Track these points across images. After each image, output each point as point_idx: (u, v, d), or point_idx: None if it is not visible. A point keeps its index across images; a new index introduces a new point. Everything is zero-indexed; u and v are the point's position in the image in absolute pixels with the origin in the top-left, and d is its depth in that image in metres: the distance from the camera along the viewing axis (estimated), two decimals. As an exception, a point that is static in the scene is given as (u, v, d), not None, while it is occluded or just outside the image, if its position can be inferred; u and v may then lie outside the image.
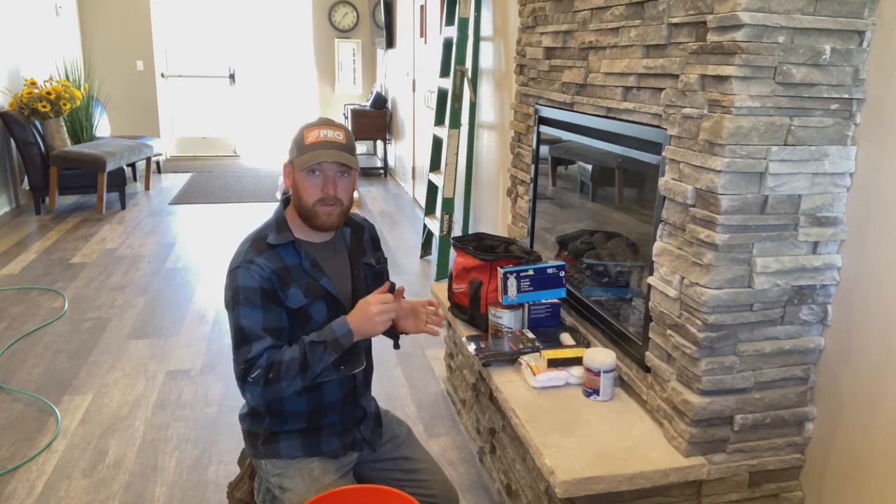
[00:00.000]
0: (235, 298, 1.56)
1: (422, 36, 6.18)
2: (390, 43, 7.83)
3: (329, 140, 1.59)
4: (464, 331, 2.39)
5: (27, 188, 6.49)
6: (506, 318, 2.24)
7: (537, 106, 2.64)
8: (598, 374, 1.90)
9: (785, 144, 1.53)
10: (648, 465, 1.65)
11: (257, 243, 1.62)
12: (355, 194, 6.95)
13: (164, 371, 3.15)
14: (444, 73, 4.67)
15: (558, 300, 2.28)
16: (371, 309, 1.55)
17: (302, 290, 1.61)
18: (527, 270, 2.19)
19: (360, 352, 1.65)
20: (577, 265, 2.42)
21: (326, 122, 1.63)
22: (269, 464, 1.68)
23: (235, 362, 1.56)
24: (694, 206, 1.62)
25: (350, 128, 8.07)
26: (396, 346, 1.87)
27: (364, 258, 1.78)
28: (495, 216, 4.07)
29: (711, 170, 1.54)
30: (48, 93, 5.90)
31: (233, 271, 1.59)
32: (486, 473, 2.38)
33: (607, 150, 2.13)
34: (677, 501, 1.74)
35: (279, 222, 1.66)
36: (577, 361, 2.01)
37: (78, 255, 4.82)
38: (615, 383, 1.96)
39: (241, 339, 1.55)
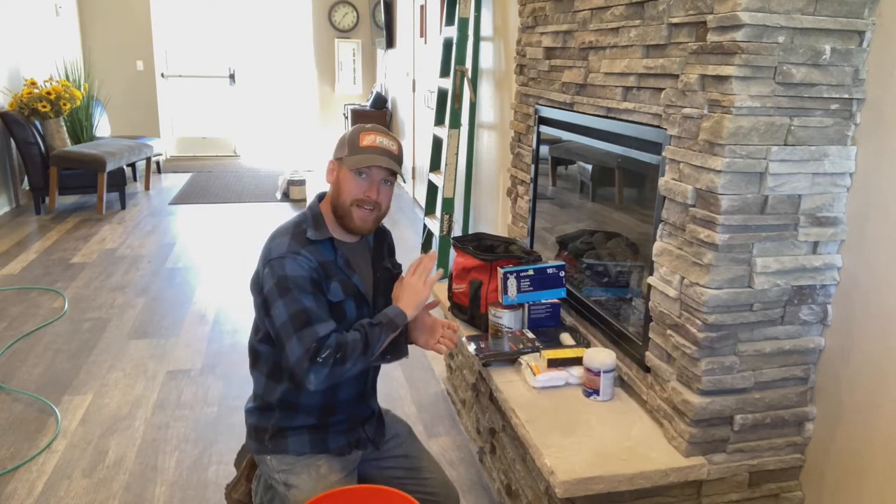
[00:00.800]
0: (285, 286, 1.55)
1: (422, 36, 6.18)
2: (390, 43, 7.83)
3: (384, 148, 1.63)
4: (464, 331, 2.39)
5: (27, 188, 6.49)
6: (506, 318, 2.24)
7: (537, 106, 2.64)
8: (598, 374, 1.90)
9: (785, 144, 1.53)
10: (648, 465, 1.65)
11: (298, 237, 1.62)
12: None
13: (164, 371, 3.15)
14: (444, 73, 4.67)
15: (558, 300, 2.28)
16: (416, 284, 1.64)
17: (340, 285, 1.64)
18: (527, 270, 2.19)
19: (403, 342, 1.71)
20: (577, 265, 2.42)
21: (382, 131, 1.67)
22: (276, 459, 1.68)
23: (298, 344, 1.52)
24: (694, 206, 1.62)
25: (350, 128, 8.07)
26: (405, 353, 1.88)
27: (383, 262, 1.82)
28: (495, 216, 4.07)
29: (711, 170, 1.54)
30: (48, 93, 5.90)
31: (278, 260, 1.57)
32: (486, 473, 2.39)
33: (607, 150, 2.13)
34: (677, 501, 1.74)
35: (316, 218, 1.67)
36: (577, 361, 2.01)
37: (78, 255, 4.83)
38: (615, 383, 1.96)
39: (305, 320, 1.53)
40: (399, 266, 1.89)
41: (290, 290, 1.55)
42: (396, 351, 1.70)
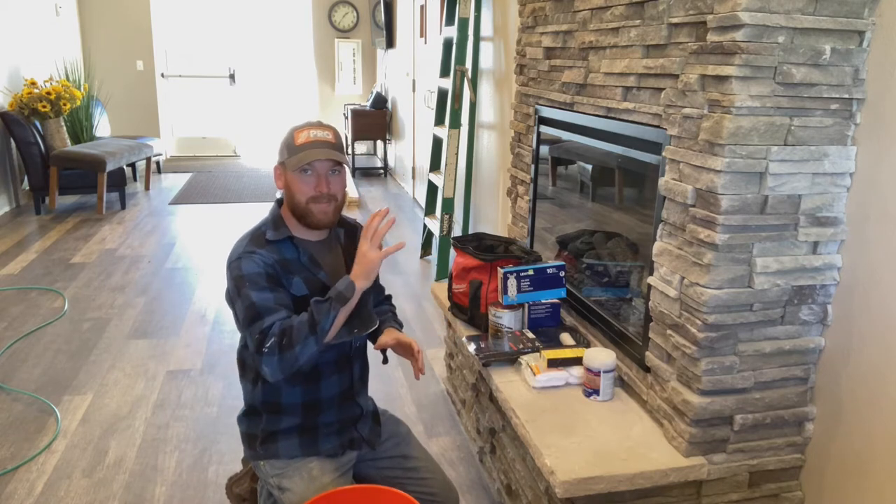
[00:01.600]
0: (240, 284, 1.57)
1: (422, 36, 6.18)
2: (390, 43, 7.83)
3: (319, 140, 1.62)
4: (464, 331, 2.39)
5: (27, 188, 6.49)
6: (506, 318, 2.24)
7: (537, 106, 2.64)
8: (598, 374, 1.90)
9: (785, 144, 1.53)
10: (648, 465, 1.65)
11: (256, 239, 1.64)
12: (355, 194, 6.93)
13: (164, 371, 3.15)
14: (444, 73, 4.67)
15: (558, 300, 2.28)
16: (366, 251, 1.57)
17: (304, 281, 1.64)
18: (527, 270, 2.19)
19: (370, 312, 1.67)
20: (577, 265, 2.42)
21: (315, 123, 1.66)
22: (268, 464, 1.69)
23: (249, 339, 1.54)
24: (694, 206, 1.62)
25: (350, 128, 8.08)
26: (385, 360, 1.90)
27: None
28: (495, 216, 4.07)
29: (711, 170, 1.54)
30: (48, 93, 5.90)
31: (234, 262, 1.60)
32: (486, 473, 2.39)
33: (607, 150, 2.13)
34: (677, 501, 1.74)
35: (276, 220, 1.68)
36: (577, 361, 2.01)
37: (78, 255, 4.83)
38: (615, 383, 1.96)
39: (254, 314, 1.54)
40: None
41: (244, 286, 1.56)
42: (363, 322, 1.64)
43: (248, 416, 1.72)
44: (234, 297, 1.59)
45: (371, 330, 1.68)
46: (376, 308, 1.92)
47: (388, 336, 1.78)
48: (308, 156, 1.59)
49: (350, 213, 6.25)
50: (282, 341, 1.51)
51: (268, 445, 1.68)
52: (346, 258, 1.76)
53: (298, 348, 1.51)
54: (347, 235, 1.81)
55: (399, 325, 1.88)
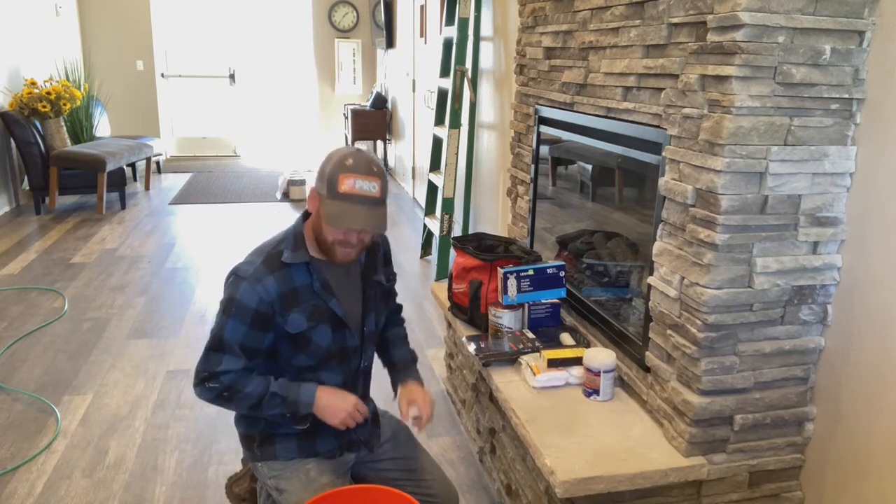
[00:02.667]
0: (228, 307, 1.55)
1: (422, 36, 6.18)
2: (390, 43, 7.83)
3: (364, 195, 1.50)
4: (464, 331, 2.39)
5: (27, 188, 6.49)
6: (506, 318, 2.24)
7: (537, 106, 2.64)
8: (598, 374, 1.90)
9: (785, 144, 1.53)
10: (648, 465, 1.65)
11: (271, 259, 1.58)
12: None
13: (164, 371, 3.15)
14: (444, 73, 4.67)
15: (558, 300, 2.28)
16: (343, 407, 1.59)
17: (306, 314, 1.59)
18: (527, 270, 2.19)
19: (311, 416, 1.62)
20: (577, 265, 2.42)
21: (364, 169, 1.51)
22: (266, 466, 1.68)
23: (201, 362, 1.57)
24: (694, 206, 1.62)
25: (350, 128, 8.07)
26: (396, 396, 1.87)
27: (375, 276, 1.74)
28: (495, 216, 4.07)
29: (711, 170, 1.54)
30: (48, 93, 5.90)
31: (238, 279, 1.56)
32: (486, 473, 2.38)
33: (607, 150, 2.13)
34: (677, 501, 1.74)
35: (296, 238, 1.61)
36: (577, 361, 2.01)
37: (78, 255, 4.83)
38: (615, 383, 1.96)
39: (217, 346, 1.56)
40: (393, 276, 1.82)
41: (229, 311, 1.54)
42: (300, 419, 1.61)
43: (246, 418, 1.72)
44: (219, 308, 1.59)
45: (299, 428, 1.64)
46: (387, 325, 1.87)
47: (405, 397, 1.74)
48: (346, 221, 1.49)
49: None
50: (223, 393, 1.56)
51: (265, 447, 1.68)
52: (364, 280, 1.71)
53: (234, 407, 1.58)
54: (369, 254, 1.74)
55: (415, 363, 1.84)
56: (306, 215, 1.65)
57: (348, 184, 1.50)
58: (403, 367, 1.82)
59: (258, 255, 1.60)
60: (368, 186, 1.51)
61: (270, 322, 1.56)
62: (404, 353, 1.85)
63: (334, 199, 1.50)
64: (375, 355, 1.83)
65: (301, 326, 1.58)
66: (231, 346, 1.55)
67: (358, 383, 1.74)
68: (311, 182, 6.86)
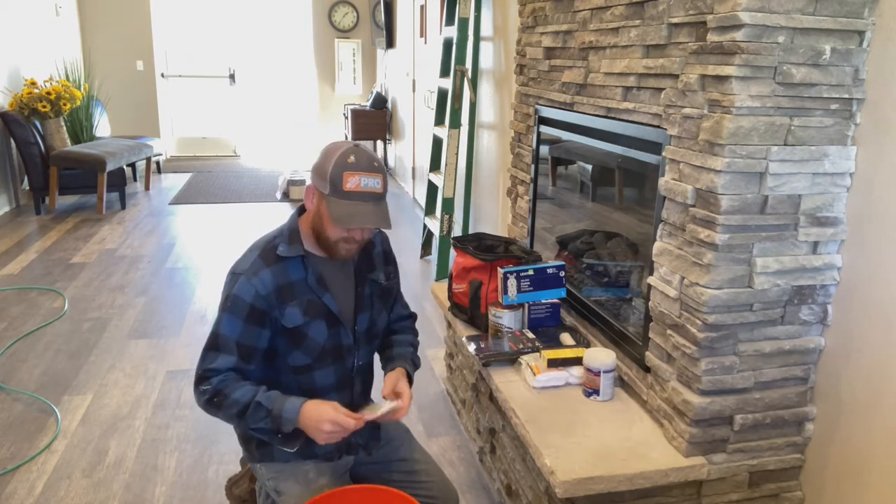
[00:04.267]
0: (225, 303, 1.56)
1: (422, 36, 6.18)
2: (390, 43, 7.83)
3: (369, 191, 1.51)
4: (464, 331, 2.39)
5: (27, 188, 6.49)
6: (506, 318, 2.24)
7: (537, 106, 2.64)
8: (598, 374, 1.90)
9: (785, 144, 1.53)
10: (648, 465, 1.65)
11: (266, 253, 1.58)
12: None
13: (164, 371, 3.15)
14: (444, 73, 4.67)
15: (558, 300, 2.28)
16: (324, 424, 1.49)
17: (302, 308, 1.58)
18: (527, 270, 2.19)
19: (300, 437, 1.58)
20: (577, 265, 2.42)
21: (366, 166, 1.51)
22: (264, 467, 1.68)
23: (200, 361, 1.57)
24: (694, 206, 1.62)
25: (350, 128, 8.08)
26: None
27: (372, 274, 1.72)
28: (495, 216, 4.07)
29: (711, 170, 1.54)
30: (48, 93, 5.90)
31: (234, 276, 1.57)
32: (486, 473, 2.38)
33: (607, 150, 2.13)
34: (677, 501, 1.74)
35: (292, 233, 1.61)
36: (577, 361, 2.01)
37: (78, 255, 4.83)
38: (615, 383, 1.96)
39: (213, 344, 1.56)
40: (395, 275, 1.79)
41: (226, 309, 1.55)
42: (288, 441, 1.57)
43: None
44: (219, 307, 1.59)
45: (288, 450, 1.60)
46: (396, 331, 1.85)
47: (390, 382, 1.70)
48: (354, 217, 1.48)
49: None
50: (213, 398, 1.54)
51: (264, 448, 1.67)
52: (357, 275, 1.69)
53: (222, 415, 1.55)
54: (363, 250, 1.72)
55: (414, 367, 1.80)
56: (301, 211, 1.64)
57: (353, 181, 1.49)
58: (399, 357, 1.78)
59: (254, 250, 1.61)
60: (373, 183, 1.51)
61: (266, 318, 1.56)
62: (403, 352, 1.80)
63: (340, 197, 1.49)
64: (377, 356, 1.82)
65: (297, 320, 1.58)
66: (227, 343, 1.55)
67: (354, 383, 1.72)
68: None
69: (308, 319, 1.59)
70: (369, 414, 1.59)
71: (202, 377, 1.55)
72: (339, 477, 1.70)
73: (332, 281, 1.64)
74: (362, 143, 9.32)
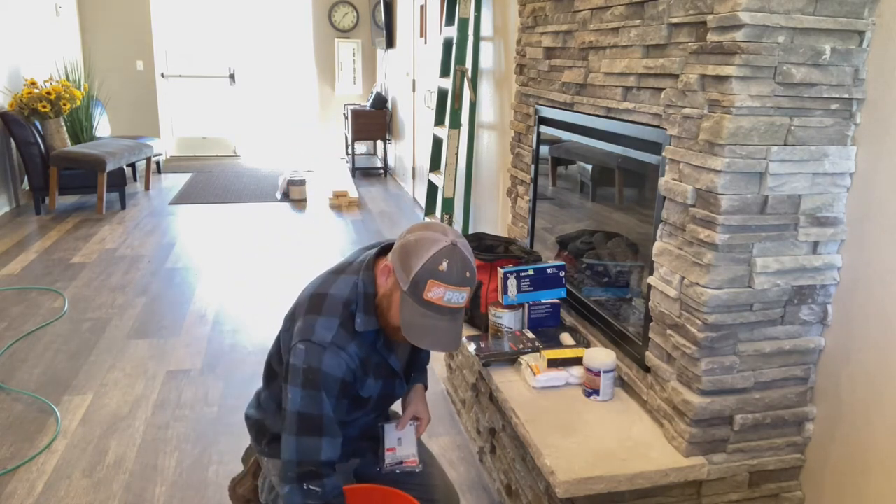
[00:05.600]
0: (313, 379, 1.40)
1: (422, 36, 6.18)
2: (390, 43, 7.83)
3: (451, 307, 1.38)
4: (463, 331, 2.39)
5: (27, 188, 6.49)
6: (506, 318, 2.24)
7: (537, 106, 2.64)
8: (598, 374, 1.90)
9: (785, 144, 1.53)
10: (648, 465, 1.65)
11: (346, 324, 1.44)
12: (355, 194, 6.90)
13: (164, 371, 3.15)
14: (444, 73, 4.67)
15: (558, 300, 2.28)
16: None
17: (374, 375, 1.53)
18: (527, 270, 2.19)
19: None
20: (577, 265, 2.42)
21: (457, 280, 1.37)
22: (272, 463, 1.69)
23: (295, 450, 1.41)
24: (694, 206, 1.62)
25: (350, 128, 8.07)
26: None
27: None
28: (495, 216, 4.07)
29: (711, 170, 1.54)
30: (48, 93, 5.90)
31: (318, 347, 1.41)
32: (486, 473, 2.39)
33: (607, 150, 2.13)
34: (677, 501, 1.74)
35: (367, 302, 1.46)
36: (577, 361, 2.01)
37: (78, 255, 4.82)
38: (615, 383, 1.96)
39: (315, 427, 1.41)
40: None
41: (316, 385, 1.40)
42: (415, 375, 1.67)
43: (260, 422, 1.71)
44: (298, 380, 1.41)
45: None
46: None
47: (411, 406, 1.71)
48: (425, 337, 1.38)
49: (350, 214, 6.25)
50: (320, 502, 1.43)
51: (274, 446, 1.68)
52: None
53: None
54: None
55: (425, 374, 1.80)
56: (375, 257, 1.51)
57: (437, 293, 1.36)
58: (416, 370, 1.77)
59: (332, 314, 1.44)
60: (458, 298, 1.38)
61: (351, 390, 1.47)
62: (419, 364, 1.79)
63: (417, 302, 1.38)
64: None
65: (374, 390, 1.52)
66: (330, 426, 1.41)
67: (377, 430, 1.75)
68: (314, 182, 6.85)
69: (376, 394, 1.57)
70: (401, 451, 1.72)
71: (314, 472, 1.40)
72: (344, 477, 1.70)
73: (395, 342, 1.57)
74: (365, 145, 9.26)
